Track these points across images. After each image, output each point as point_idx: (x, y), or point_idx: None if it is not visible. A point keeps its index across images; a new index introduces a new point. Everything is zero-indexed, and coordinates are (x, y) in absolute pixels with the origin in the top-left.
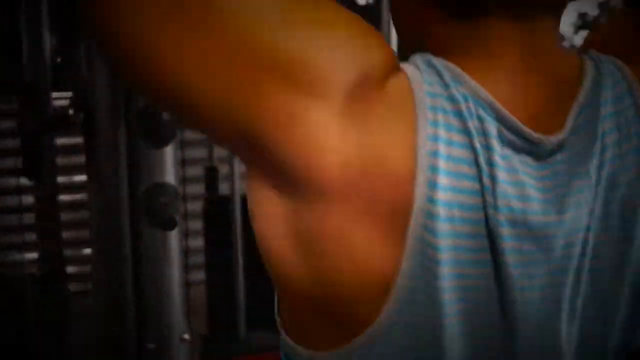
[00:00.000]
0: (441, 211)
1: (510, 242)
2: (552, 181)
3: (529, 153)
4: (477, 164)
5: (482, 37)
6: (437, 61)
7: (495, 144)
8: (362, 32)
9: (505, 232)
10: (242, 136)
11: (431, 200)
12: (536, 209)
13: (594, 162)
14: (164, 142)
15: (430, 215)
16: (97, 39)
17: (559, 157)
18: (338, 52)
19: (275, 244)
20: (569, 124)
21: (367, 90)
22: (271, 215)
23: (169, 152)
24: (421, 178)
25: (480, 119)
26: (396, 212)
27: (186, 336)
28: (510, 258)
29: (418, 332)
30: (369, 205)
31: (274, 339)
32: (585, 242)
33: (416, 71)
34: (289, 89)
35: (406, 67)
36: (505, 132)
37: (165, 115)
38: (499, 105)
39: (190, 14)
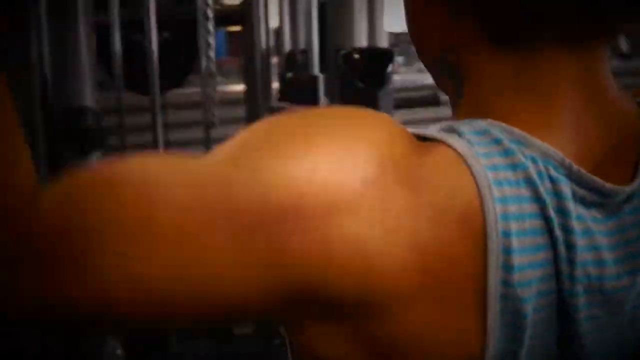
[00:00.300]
0: (519, 292)
1: (585, 311)
2: (621, 235)
3: (599, 206)
4: (550, 232)
5: (537, 75)
6: (489, 125)
7: (570, 206)
8: (352, 123)
9: (581, 301)
10: (283, 298)
11: (507, 284)
12: (611, 273)
13: None
14: (87, 151)
15: (507, 298)
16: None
17: (626, 208)
18: (336, 158)
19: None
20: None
21: (394, 180)
22: (332, 343)
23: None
24: (494, 263)
25: (552, 180)
26: (472, 299)
27: (119, 352)
28: (585, 327)
29: None
30: (442, 300)
31: (205, 350)
32: None
33: (465, 143)
34: (309, 224)
35: (449, 138)
36: (577, 188)
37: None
38: (568, 161)
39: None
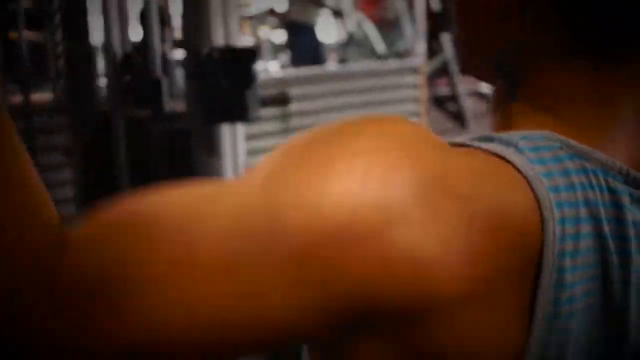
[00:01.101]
0: (569, 309)
1: (635, 311)
2: None
3: None
4: (603, 249)
5: (619, 91)
6: (548, 139)
7: (627, 215)
8: (393, 137)
9: (633, 303)
10: (339, 315)
11: (558, 302)
12: None
13: None
14: None
15: (558, 316)
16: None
17: None
18: (382, 173)
19: None
20: None
21: (443, 193)
22: (377, 357)
23: None
24: (547, 281)
25: (611, 191)
26: (519, 315)
27: None
28: (634, 325)
29: None
30: (490, 310)
31: None
32: None
33: (525, 161)
34: (364, 239)
35: (508, 154)
36: (633, 191)
37: None
38: (626, 167)
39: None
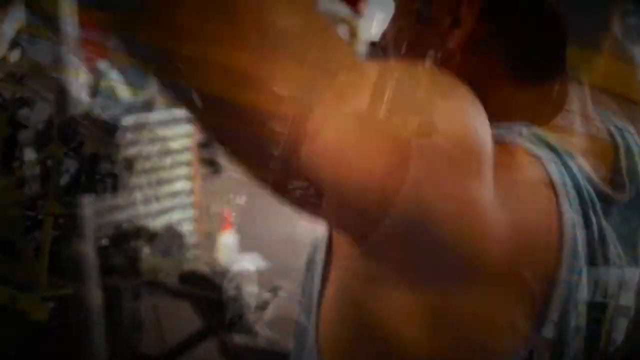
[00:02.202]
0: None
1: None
2: (618, 232)
3: (605, 213)
4: (588, 231)
5: (547, 102)
6: (541, 134)
7: (600, 212)
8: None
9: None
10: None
11: (572, 270)
12: (623, 263)
13: None
14: None
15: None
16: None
17: (614, 211)
18: (473, 119)
19: (403, 331)
20: (627, 183)
21: (497, 158)
22: (400, 306)
23: None
24: (567, 251)
25: (587, 190)
26: (541, 288)
27: None
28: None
29: None
30: (520, 283)
31: None
32: None
33: (532, 146)
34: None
35: (516, 138)
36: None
37: None
38: (592, 173)
39: None
